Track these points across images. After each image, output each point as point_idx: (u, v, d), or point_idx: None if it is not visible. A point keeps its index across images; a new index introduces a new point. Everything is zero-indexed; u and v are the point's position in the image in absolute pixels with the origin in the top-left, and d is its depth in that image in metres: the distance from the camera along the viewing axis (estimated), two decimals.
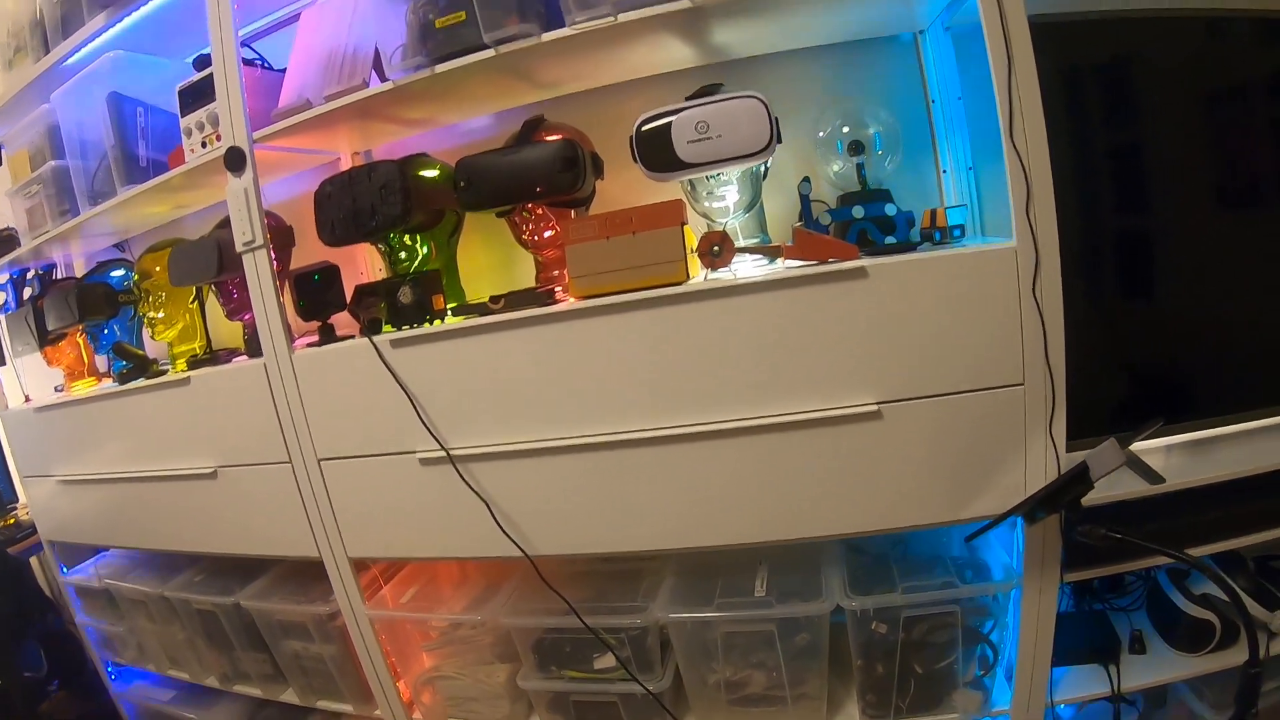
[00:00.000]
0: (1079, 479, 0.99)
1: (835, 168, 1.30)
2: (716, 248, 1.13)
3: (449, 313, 1.28)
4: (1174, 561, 1.31)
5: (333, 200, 1.20)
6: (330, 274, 1.27)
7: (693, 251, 1.17)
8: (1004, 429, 1.09)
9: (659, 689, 1.26)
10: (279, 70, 1.42)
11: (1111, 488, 1.09)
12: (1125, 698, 1.37)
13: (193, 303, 1.58)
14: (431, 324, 1.20)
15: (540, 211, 1.23)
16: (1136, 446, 1.10)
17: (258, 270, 1.26)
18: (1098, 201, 1.17)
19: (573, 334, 1.12)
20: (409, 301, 1.20)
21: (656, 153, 1.07)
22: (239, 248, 1.26)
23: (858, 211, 1.19)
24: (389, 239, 1.30)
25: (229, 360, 1.45)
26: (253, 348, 1.37)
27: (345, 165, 1.58)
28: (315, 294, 1.26)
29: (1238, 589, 1.00)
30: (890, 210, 1.19)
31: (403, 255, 1.31)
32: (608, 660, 1.28)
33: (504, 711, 1.38)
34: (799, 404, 1.10)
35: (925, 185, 1.40)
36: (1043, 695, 1.25)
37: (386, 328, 1.25)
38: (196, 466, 1.42)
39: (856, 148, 1.26)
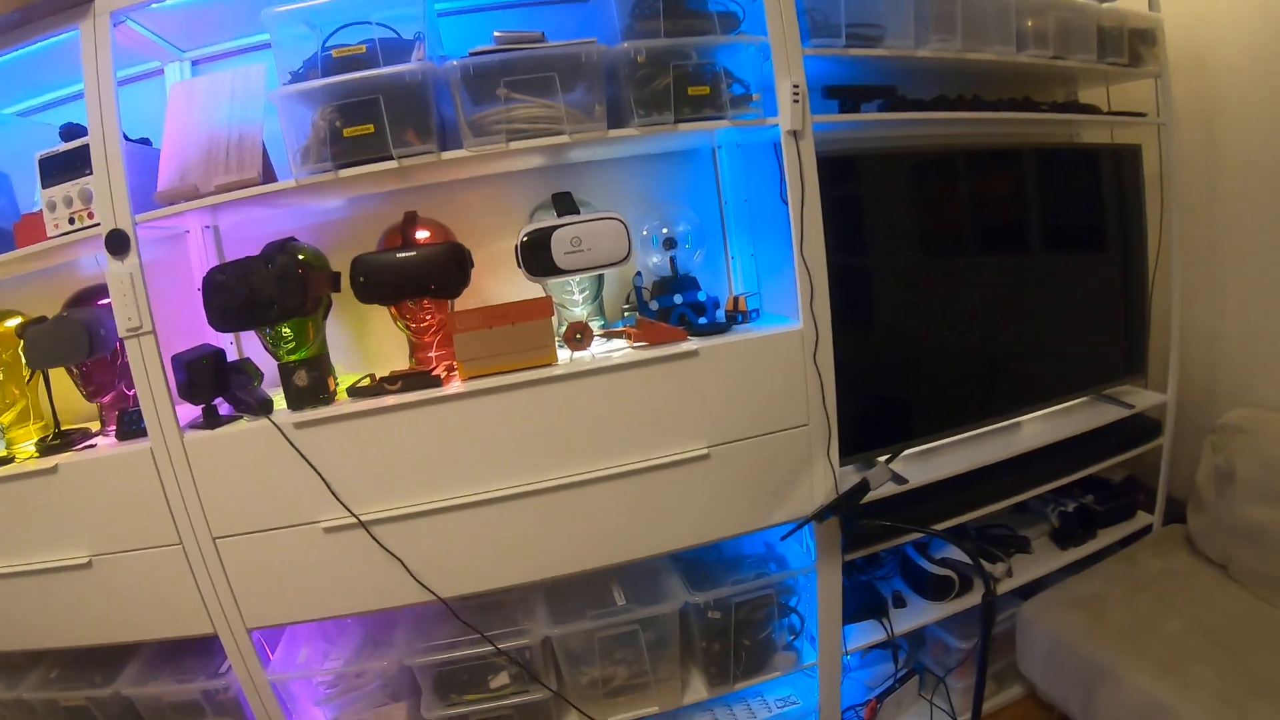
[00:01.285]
0: (861, 490, 1.55)
1: (653, 260, 1.77)
2: (579, 335, 1.55)
3: (335, 393, 1.57)
4: (920, 537, 1.98)
5: (226, 289, 1.42)
6: (218, 358, 1.51)
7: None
8: (796, 457, 1.64)
9: (550, 695, 1.66)
10: (135, 141, 1.55)
11: (873, 491, 1.69)
12: (896, 641, 2.03)
13: (29, 382, 1.68)
14: (328, 405, 1.49)
15: (425, 302, 1.57)
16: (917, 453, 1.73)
17: (143, 355, 1.43)
18: (851, 288, 1.75)
19: (463, 409, 1.48)
20: (305, 385, 1.48)
21: (537, 259, 1.46)
22: (123, 333, 1.41)
23: (677, 299, 1.67)
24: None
25: (84, 443, 1.60)
26: (125, 430, 1.53)
27: (194, 239, 1.76)
28: (204, 377, 1.49)
29: (973, 550, 1.61)
30: (701, 296, 1.69)
31: (284, 339, 1.57)
32: (502, 679, 1.66)
33: None
34: (648, 454, 1.56)
35: (717, 270, 1.95)
36: (838, 648, 1.84)
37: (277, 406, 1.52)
38: (67, 558, 1.51)
39: (670, 243, 1.75)
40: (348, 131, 1.37)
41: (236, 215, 1.73)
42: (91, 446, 1.56)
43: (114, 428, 1.57)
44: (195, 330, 1.66)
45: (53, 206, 1.46)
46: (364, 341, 1.83)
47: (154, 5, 1.43)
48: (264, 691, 1.61)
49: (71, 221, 1.46)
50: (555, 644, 1.65)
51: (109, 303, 1.60)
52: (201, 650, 1.72)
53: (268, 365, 1.65)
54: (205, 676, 1.64)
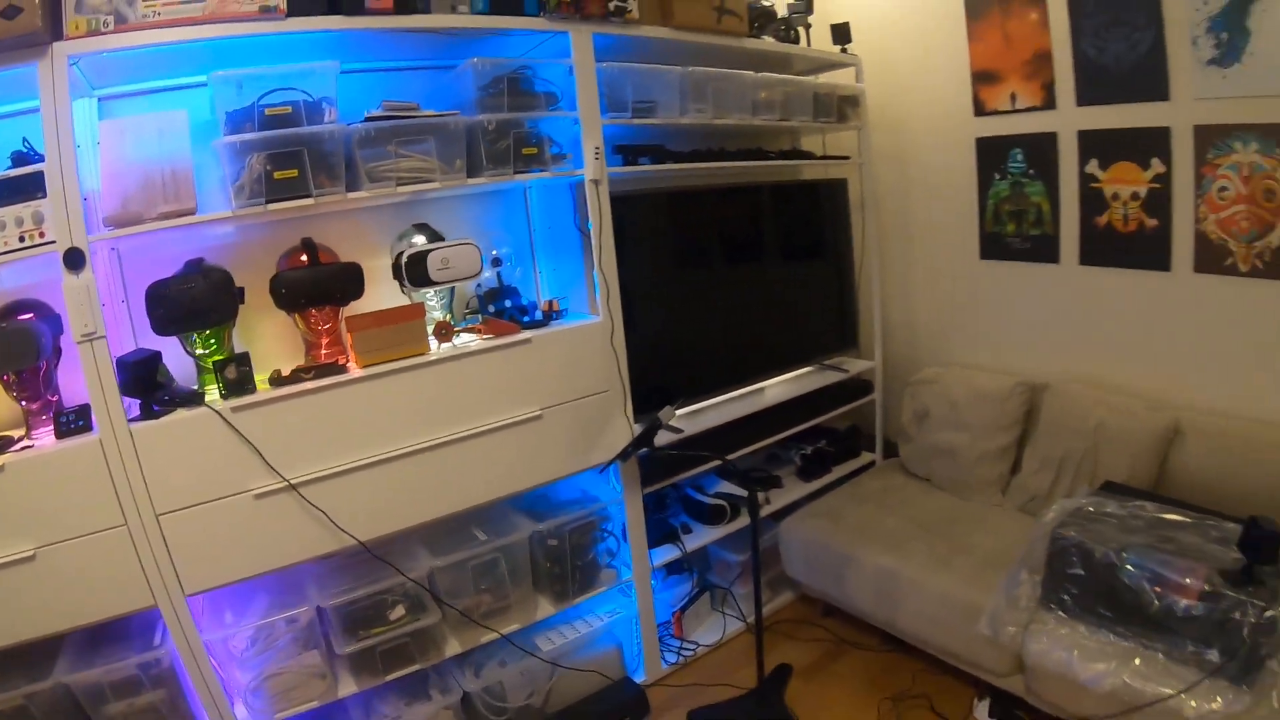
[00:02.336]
0: (654, 428, 2.49)
1: (486, 274, 2.62)
2: (444, 330, 2.37)
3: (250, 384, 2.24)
4: (698, 475, 2.99)
5: (169, 300, 2.04)
6: (157, 360, 2.11)
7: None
8: (603, 415, 2.60)
9: (438, 620, 2.43)
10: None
11: (661, 442, 2.65)
12: (690, 566, 3.03)
13: None
14: (253, 393, 2.16)
15: (325, 309, 2.30)
16: (687, 413, 2.73)
17: (96, 358, 1.95)
18: (636, 290, 2.73)
19: (364, 390, 2.22)
20: (235, 377, 2.15)
21: (417, 273, 2.25)
22: (78, 338, 1.91)
23: (507, 303, 2.56)
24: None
25: (14, 447, 2.04)
26: (64, 429, 2.04)
27: (100, 260, 2.15)
28: (145, 376, 2.09)
29: (741, 478, 2.59)
30: (524, 301, 2.59)
31: (203, 341, 2.22)
32: (399, 611, 2.38)
33: (322, 687, 2.31)
34: (498, 416, 2.41)
35: (529, 281, 2.87)
36: (647, 564, 2.80)
37: (210, 397, 2.16)
38: (11, 553, 1.85)
39: (497, 261, 2.62)
40: (277, 175, 2.07)
41: (137, 240, 2.13)
42: (28, 448, 2.01)
43: (46, 428, 2.10)
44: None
45: (2, 226, 1.85)
46: (252, 347, 2.47)
47: (105, 53, 1.93)
48: (200, 654, 2.10)
49: (22, 240, 1.87)
50: (437, 576, 2.42)
51: (30, 317, 2.15)
52: (120, 636, 2.15)
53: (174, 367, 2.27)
54: (139, 652, 2.05)
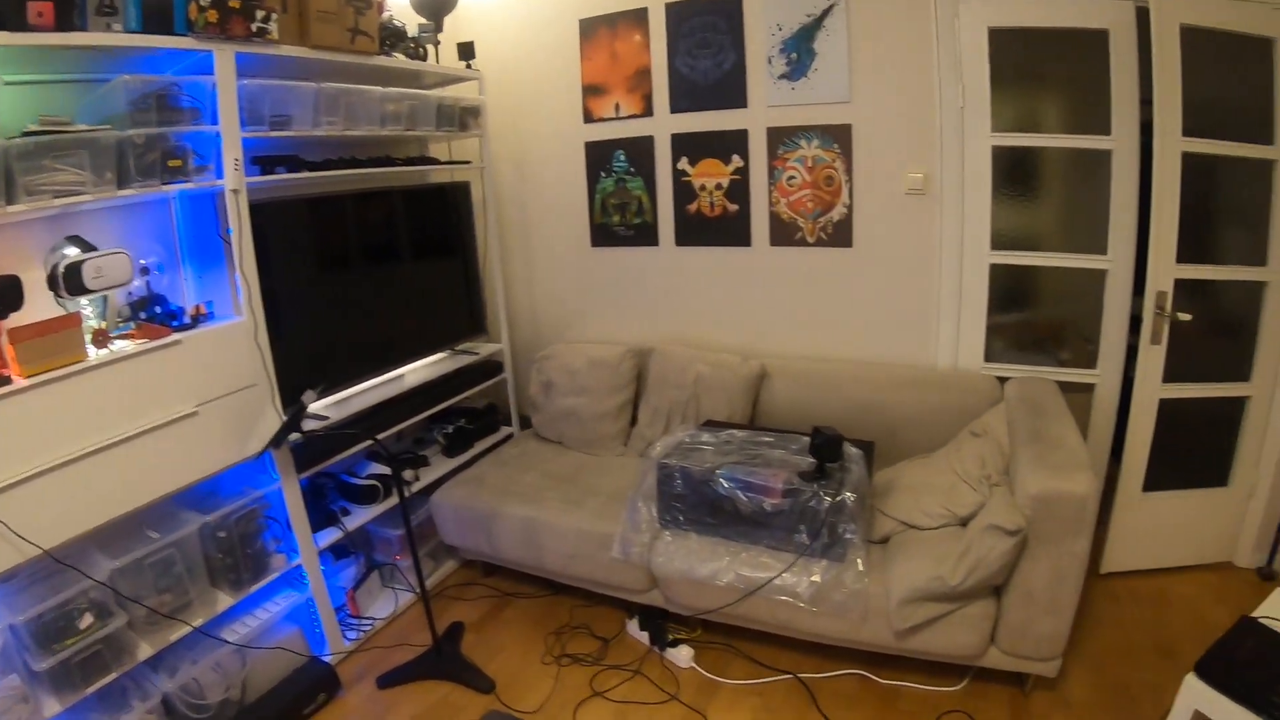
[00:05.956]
0: (298, 413, 3.04)
1: (136, 283, 2.94)
2: (101, 337, 2.71)
3: None
4: (349, 462, 3.59)
5: None
6: None
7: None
8: (254, 408, 3.10)
9: (125, 622, 2.73)
10: None
11: (312, 426, 3.21)
12: (354, 542, 3.60)
13: None
14: None
15: None
16: (332, 402, 3.30)
17: None
18: (277, 290, 3.26)
19: (29, 400, 2.49)
20: None
21: (74, 283, 2.55)
22: None
23: (157, 309, 2.95)
24: None
25: None
26: None
27: None
28: None
29: (391, 455, 3.23)
30: (173, 307, 3.00)
31: None
32: (88, 619, 2.64)
33: (26, 711, 2.40)
34: (159, 415, 2.78)
35: (176, 287, 3.26)
36: (313, 547, 3.33)
37: None
38: None
39: (145, 270, 2.99)
40: None
41: None
42: None
43: None
44: None
45: None
46: None
47: None
48: None
49: None
50: (118, 580, 2.72)
51: None
52: None
53: None
54: None
